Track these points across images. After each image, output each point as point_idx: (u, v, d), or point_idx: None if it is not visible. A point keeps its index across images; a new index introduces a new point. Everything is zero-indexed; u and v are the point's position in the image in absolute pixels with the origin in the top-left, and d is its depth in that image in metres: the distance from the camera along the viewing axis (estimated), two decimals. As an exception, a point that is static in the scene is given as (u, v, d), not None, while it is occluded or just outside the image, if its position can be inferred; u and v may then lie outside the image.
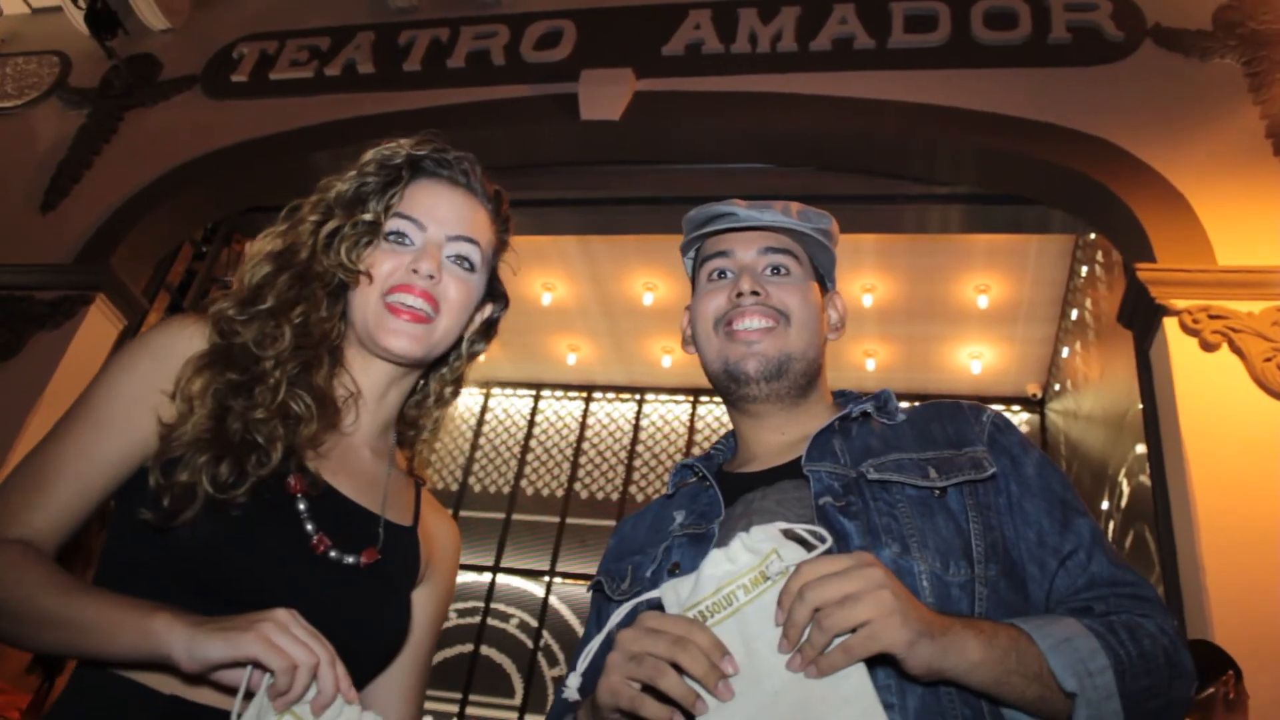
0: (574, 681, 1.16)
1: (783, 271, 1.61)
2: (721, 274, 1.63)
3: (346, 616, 1.27)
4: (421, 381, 1.71)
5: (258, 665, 1.11)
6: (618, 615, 1.20)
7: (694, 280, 1.73)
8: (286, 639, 1.12)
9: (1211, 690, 3.38)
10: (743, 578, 1.09)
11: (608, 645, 1.45)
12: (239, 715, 1.10)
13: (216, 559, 1.28)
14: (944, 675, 1.11)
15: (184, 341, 1.43)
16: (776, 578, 1.08)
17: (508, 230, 1.71)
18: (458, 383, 1.74)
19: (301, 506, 1.40)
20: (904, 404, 1.59)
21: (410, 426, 1.71)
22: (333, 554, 1.41)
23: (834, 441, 1.48)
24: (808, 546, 1.11)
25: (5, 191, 6.37)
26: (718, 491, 1.49)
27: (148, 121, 6.61)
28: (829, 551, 1.10)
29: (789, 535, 1.12)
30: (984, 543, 1.33)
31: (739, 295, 1.56)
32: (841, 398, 1.67)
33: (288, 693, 1.10)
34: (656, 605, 1.21)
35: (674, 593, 1.14)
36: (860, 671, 1.04)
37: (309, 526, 1.40)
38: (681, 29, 5.97)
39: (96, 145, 6.47)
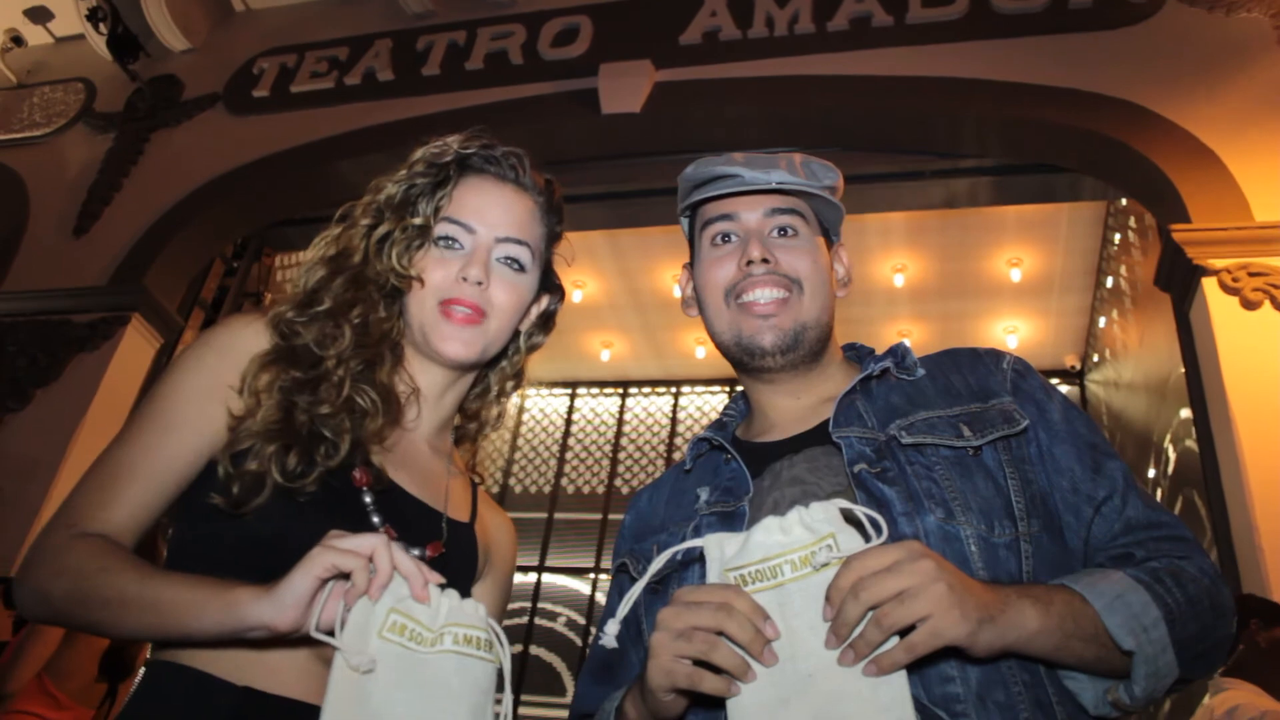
0: (613, 629, 1.13)
1: (790, 233, 1.53)
2: (726, 237, 1.54)
3: None
4: (482, 375, 1.71)
5: (340, 578, 1.12)
6: (658, 563, 1.15)
7: (691, 239, 1.64)
8: (348, 541, 1.13)
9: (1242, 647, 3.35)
10: (793, 554, 1.07)
11: (650, 599, 1.43)
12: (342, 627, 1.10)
13: (285, 547, 1.27)
14: (1008, 650, 1.09)
15: (248, 338, 1.45)
16: (825, 566, 1.05)
17: (561, 221, 1.69)
18: (518, 376, 1.74)
19: (367, 499, 1.42)
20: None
21: (471, 419, 1.72)
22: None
23: (858, 403, 1.43)
24: (863, 533, 1.08)
25: (39, 218, 6.47)
26: (741, 464, 1.44)
27: (173, 141, 6.69)
28: (885, 542, 1.06)
29: (847, 517, 1.09)
30: (1024, 498, 1.30)
31: (749, 264, 1.48)
32: (852, 352, 1.62)
33: (372, 582, 1.10)
34: (696, 555, 1.18)
35: (718, 548, 1.12)
36: (901, 679, 1.02)
37: (375, 519, 1.41)
38: (698, 17, 5.97)
39: (124, 168, 6.56)
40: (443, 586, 1.16)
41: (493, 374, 1.71)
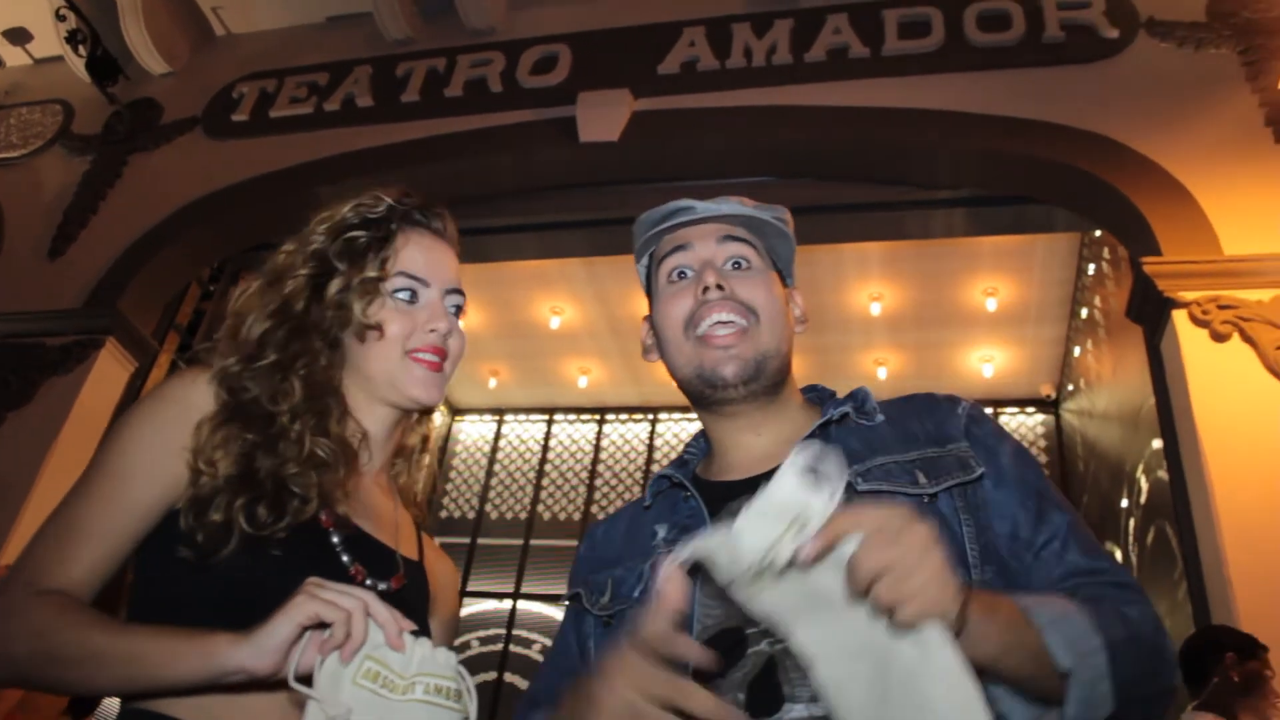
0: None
1: (744, 265, 1.54)
2: (681, 274, 1.55)
3: None
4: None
5: (317, 628, 1.13)
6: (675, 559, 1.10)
7: (650, 287, 1.65)
8: (330, 593, 1.15)
9: (1216, 679, 3.38)
10: (782, 542, 1.03)
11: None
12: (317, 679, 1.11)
13: (263, 593, 1.26)
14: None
15: (200, 394, 1.47)
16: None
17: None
18: None
19: (335, 539, 1.45)
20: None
21: (398, 453, 1.75)
22: (368, 582, 1.45)
23: None
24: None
25: (13, 239, 6.44)
26: (699, 502, 1.45)
27: (151, 164, 6.67)
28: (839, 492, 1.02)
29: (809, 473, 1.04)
30: (978, 546, 1.31)
31: (705, 290, 1.49)
32: (813, 393, 1.62)
33: (348, 640, 1.12)
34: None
35: (725, 551, 1.07)
36: (941, 637, 0.98)
37: (345, 558, 1.45)
38: (676, 47, 6.01)
39: (101, 190, 6.53)
40: (415, 634, 1.18)
41: None
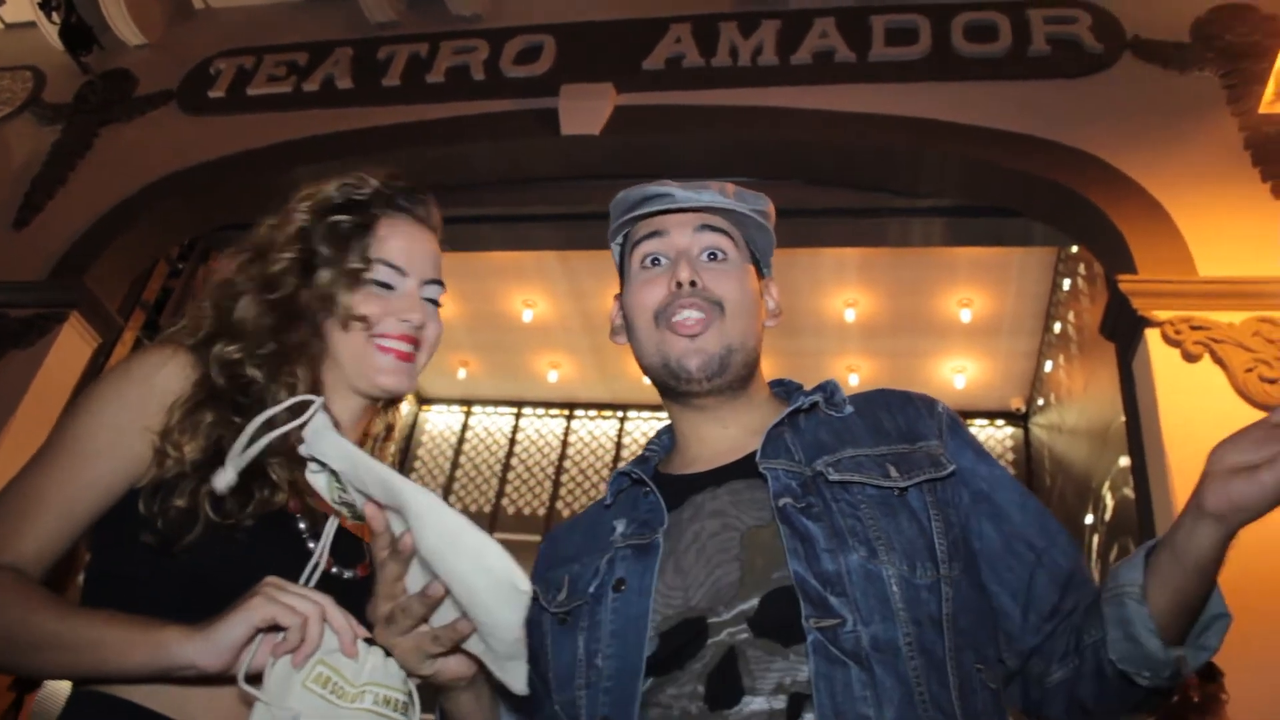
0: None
1: (719, 256, 1.53)
2: (655, 261, 1.54)
3: None
4: None
5: (271, 629, 1.13)
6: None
7: (622, 267, 1.64)
8: (288, 596, 1.14)
9: (1176, 697, 3.42)
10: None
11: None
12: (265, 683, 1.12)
13: (229, 581, 1.25)
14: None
15: (171, 374, 1.43)
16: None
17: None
18: None
19: (301, 525, 1.44)
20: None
21: (363, 437, 1.74)
22: (334, 570, 1.43)
23: (785, 436, 1.43)
24: None
25: (-22, 208, 6.30)
26: (658, 496, 1.44)
27: (123, 137, 6.56)
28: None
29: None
30: (946, 541, 1.31)
31: (678, 285, 1.48)
32: (780, 387, 1.62)
33: (301, 646, 1.12)
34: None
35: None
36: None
37: (310, 544, 1.43)
38: (662, 43, 5.97)
39: (71, 161, 6.40)
40: (369, 642, 1.17)
41: None
